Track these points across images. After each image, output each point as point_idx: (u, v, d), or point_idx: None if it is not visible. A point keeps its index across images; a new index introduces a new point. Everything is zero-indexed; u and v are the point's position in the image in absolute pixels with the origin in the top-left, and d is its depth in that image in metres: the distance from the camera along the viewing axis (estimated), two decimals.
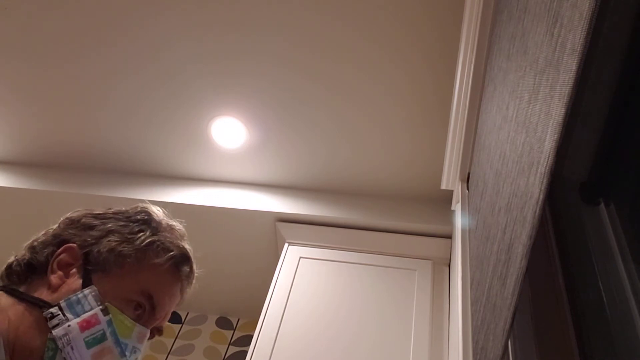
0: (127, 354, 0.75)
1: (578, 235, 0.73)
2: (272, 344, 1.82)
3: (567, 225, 0.77)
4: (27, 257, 0.78)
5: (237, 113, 2.14)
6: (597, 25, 0.58)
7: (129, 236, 0.81)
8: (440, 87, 1.93)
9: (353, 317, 1.89)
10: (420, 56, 1.89)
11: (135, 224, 0.83)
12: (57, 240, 0.79)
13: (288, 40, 1.92)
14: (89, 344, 0.72)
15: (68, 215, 0.83)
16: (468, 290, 1.38)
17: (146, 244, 0.81)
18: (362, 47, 1.90)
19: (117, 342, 0.74)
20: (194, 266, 0.88)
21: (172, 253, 0.83)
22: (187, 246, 0.87)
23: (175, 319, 2.68)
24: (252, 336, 1.90)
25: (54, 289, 0.75)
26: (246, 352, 1.92)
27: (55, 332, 0.70)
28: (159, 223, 0.85)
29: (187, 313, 2.70)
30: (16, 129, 2.35)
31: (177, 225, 0.88)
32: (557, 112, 0.61)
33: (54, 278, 0.76)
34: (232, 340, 2.60)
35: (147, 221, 0.84)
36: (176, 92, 2.12)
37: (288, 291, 1.97)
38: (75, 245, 0.78)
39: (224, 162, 2.30)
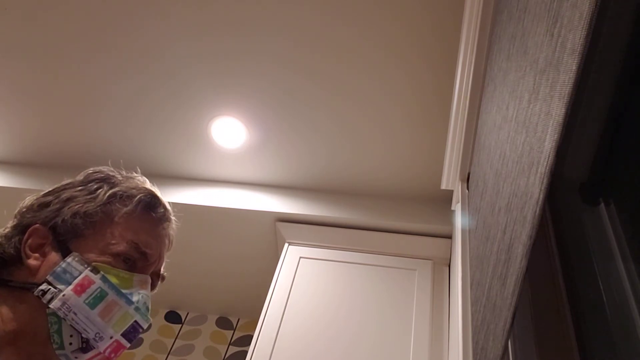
0: (135, 299, 0.74)
1: (578, 235, 0.73)
2: (272, 344, 1.82)
3: (567, 225, 0.77)
4: None
5: (237, 113, 2.14)
6: (597, 25, 0.58)
7: (89, 196, 0.79)
8: (440, 87, 1.93)
9: (353, 317, 1.89)
10: (420, 56, 1.89)
11: (91, 184, 0.82)
12: (19, 229, 0.78)
13: (288, 40, 1.92)
14: (92, 304, 0.71)
15: (20, 205, 0.82)
16: (468, 290, 1.38)
17: (108, 196, 0.80)
18: (362, 47, 1.90)
19: (120, 293, 0.73)
20: (167, 205, 0.86)
21: (138, 197, 0.81)
22: (152, 188, 0.85)
23: (176, 319, 2.68)
24: (252, 336, 1.90)
25: (34, 271, 0.73)
26: (246, 352, 1.92)
27: (52, 305, 0.70)
28: (115, 177, 0.84)
29: (187, 313, 2.70)
30: (16, 129, 2.35)
31: (135, 174, 0.87)
32: (557, 112, 0.61)
33: (31, 261, 0.74)
34: (232, 340, 2.60)
35: (102, 179, 0.83)
36: (176, 92, 2.12)
37: (288, 291, 1.97)
38: (38, 225, 0.77)
39: (224, 162, 2.30)
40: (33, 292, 0.71)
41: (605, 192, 0.69)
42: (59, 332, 0.69)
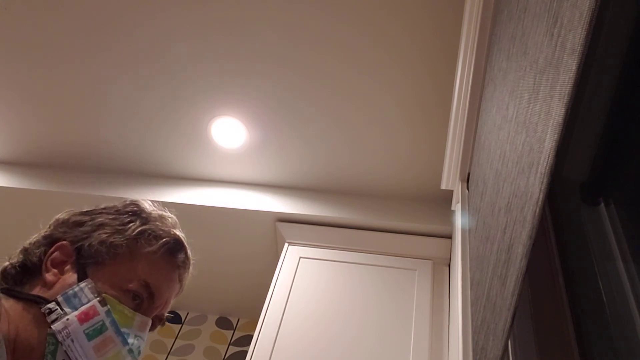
0: (130, 341, 0.75)
1: (578, 235, 0.73)
2: (272, 344, 1.82)
3: (567, 225, 0.77)
4: (20, 260, 0.79)
5: (237, 113, 2.14)
6: (597, 25, 0.58)
7: (120, 227, 0.81)
8: (440, 87, 1.93)
9: (353, 317, 1.89)
10: (420, 56, 1.89)
11: (125, 216, 0.83)
12: (48, 240, 0.80)
13: (288, 40, 1.92)
14: (90, 336, 0.72)
15: (57, 217, 0.84)
16: (468, 290, 1.38)
17: (137, 232, 0.81)
18: (362, 47, 1.90)
19: (118, 331, 0.74)
20: (189, 252, 0.88)
21: (164, 240, 0.83)
22: (179, 233, 0.87)
23: (175, 319, 2.68)
24: (252, 336, 1.90)
25: (49, 286, 0.75)
26: (246, 352, 1.92)
27: (54, 326, 0.71)
28: (149, 214, 0.85)
29: (187, 313, 2.70)
30: (16, 129, 2.35)
31: (167, 214, 0.88)
32: (557, 112, 0.61)
33: (48, 276, 0.76)
34: (232, 340, 2.60)
35: (136, 212, 0.84)
36: (176, 92, 2.12)
37: (288, 291, 1.97)
38: (66, 242, 0.79)
39: (224, 162, 2.30)
40: (40, 307, 0.72)
41: (605, 192, 0.69)
42: (54, 354, 0.70)
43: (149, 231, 0.82)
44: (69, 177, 2.37)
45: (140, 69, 2.08)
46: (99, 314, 0.73)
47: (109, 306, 0.74)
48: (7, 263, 0.80)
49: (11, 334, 0.69)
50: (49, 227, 0.82)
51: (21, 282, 0.77)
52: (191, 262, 0.88)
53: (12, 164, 2.43)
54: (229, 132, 2.20)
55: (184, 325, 2.66)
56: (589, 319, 0.65)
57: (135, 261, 0.80)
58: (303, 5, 1.83)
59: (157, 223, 0.85)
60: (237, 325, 2.66)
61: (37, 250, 0.79)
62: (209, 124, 2.19)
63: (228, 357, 2.54)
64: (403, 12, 1.81)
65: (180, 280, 0.86)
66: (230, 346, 2.58)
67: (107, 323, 0.74)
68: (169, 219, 0.88)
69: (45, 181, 2.34)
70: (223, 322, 2.67)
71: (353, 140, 2.14)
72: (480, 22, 1.50)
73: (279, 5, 1.85)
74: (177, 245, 0.85)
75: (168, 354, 2.55)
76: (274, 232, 2.25)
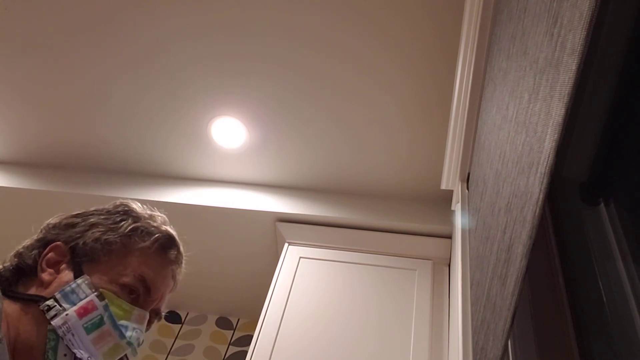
0: (128, 334, 0.77)
1: (578, 235, 0.73)
2: (272, 344, 1.82)
3: (567, 225, 0.77)
4: (15, 263, 0.80)
5: (237, 113, 2.14)
6: (597, 25, 0.58)
7: (112, 225, 0.83)
8: (440, 87, 1.93)
9: (353, 317, 1.89)
10: (420, 56, 1.89)
11: (116, 215, 0.85)
12: (42, 243, 0.81)
13: (288, 40, 1.92)
14: (88, 330, 0.73)
15: (48, 221, 0.85)
16: (468, 290, 1.38)
17: (130, 229, 0.83)
18: (362, 47, 1.90)
19: (116, 325, 0.75)
20: (181, 248, 0.90)
21: (156, 236, 0.85)
22: (171, 230, 0.89)
23: (175, 319, 2.68)
24: (252, 336, 1.90)
25: (46, 285, 0.76)
26: (246, 352, 1.92)
27: (54, 322, 0.72)
28: (139, 213, 0.88)
29: (187, 313, 2.70)
30: (16, 129, 2.35)
31: (157, 213, 0.91)
32: (557, 112, 0.61)
33: (44, 275, 0.77)
34: (232, 340, 2.60)
35: (127, 212, 0.87)
36: (176, 92, 2.12)
37: (288, 291, 1.97)
38: (60, 242, 0.80)
39: (224, 162, 2.30)
40: (39, 305, 0.73)
41: (605, 192, 0.69)
42: (55, 349, 0.71)
43: (142, 228, 0.84)
44: (69, 177, 2.37)
45: (140, 69, 2.08)
46: (97, 308, 0.75)
47: (106, 300, 0.76)
48: (0, 266, 0.80)
49: (11, 335, 0.69)
50: (41, 232, 0.84)
51: (16, 284, 0.78)
52: (184, 258, 0.90)
53: (12, 164, 2.43)
54: (229, 132, 2.20)
55: (184, 325, 2.66)
56: (589, 319, 0.65)
57: (130, 256, 0.81)
58: (303, 5, 1.83)
59: (148, 221, 0.87)
60: (237, 325, 2.66)
61: (31, 253, 0.80)
62: (209, 124, 2.19)
63: (228, 357, 2.54)
64: (403, 12, 1.81)
65: (174, 276, 0.88)
66: (230, 346, 2.58)
67: (105, 317, 0.75)
68: (159, 217, 0.90)
69: (45, 181, 2.34)
70: (223, 322, 2.67)
71: (353, 140, 2.14)
72: (480, 22, 1.50)
73: (279, 5, 1.85)
74: (169, 241, 0.87)
75: (168, 354, 2.55)
76: (274, 232, 2.25)
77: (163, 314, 0.87)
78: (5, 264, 0.80)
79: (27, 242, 0.83)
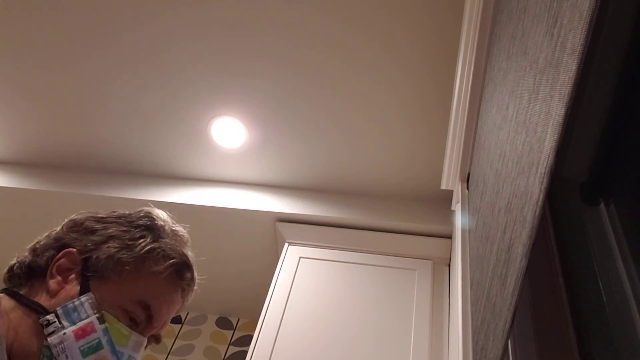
0: None
1: (578, 235, 0.73)
2: (272, 344, 1.82)
3: (567, 225, 0.77)
4: (28, 260, 0.79)
5: (237, 113, 2.14)
6: (597, 25, 0.58)
7: (129, 242, 0.80)
8: (440, 87, 1.93)
9: (353, 317, 1.89)
10: (420, 56, 1.89)
11: (137, 230, 0.82)
12: (58, 244, 0.80)
13: (288, 40, 1.92)
14: (85, 353, 0.71)
15: (72, 217, 0.83)
16: (468, 290, 1.38)
17: (146, 251, 0.80)
18: (362, 47, 1.90)
19: (114, 351, 0.74)
20: (195, 273, 0.88)
21: (172, 261, 0.82)
22: (189, 253, 0.87)
23: (175, 319, 2.68)
24: (252, 336, 1.90)
25: (52, 294, 0.75)
26: (246, 352, 1.92)
27: (50, 339, 0.70)
28: (162, 228, 0.85)
29: (187, 313, 2.70)
30: (16, 129, 2.35)
31: (180, 230, 0.88)
32: (557, 112, 0.61)
33: (52, 283, 0.76)
34: (232, 340, 2.60)
35: (149, 227, 0.84)
36: (176, 92, 2.12)
37: (288, 291, 1.97)
38: (74, 250, 0.78)
39: (224, 162, 2.30)
40: (40, 317, 0.72)
41: (605, 192, 0.69)
42: None
43: (159, 250, 0.82)
44: (69, 177, 2.37)
45: (140, 69, 2.08)
46: (95, 331, 0.73)
47: (107, 324, 0.74)
48: (14, 261, 0.79)
49: (9, 337, 0.69)
50: (62, 229, 0.82)
51: (27, 283, 0.77)
52: (195, 283, 0.89)
53: (12, 164, 2.43)
54: (229, 132, 2.20)
55: (184, 325, 2.66)
56: (589, 319, 0.65)
57: (140, 280, 0.79)
58: (303, 5, 1.83)
59: (168, 240, 0.84)
60: (237, 325, 2.66)
61: (46, 254, 0.78)
62: (209, 124, 2.19)
63: (228, 357, 2.54)
64: (403, 12, 1.81)
65: (183, 299, 0.87)
66: (230, 346, 2.58)
67: (104, 341, 0.73)
68: (181, 236, 0.87)
69: (45, 181, 2.34)
70: (223, 322, 2.67)
71: (353, 140, 2.14)
72: (480, 22, 1.50)
73: (279, 5, 1.85)
74: (184, 267, 0.84)
75: (168, 354, 2.55)
76: (274, 232, 2.25)
77: (160, 337, 0.85)
78: (20, 259, 0.79)
79: (44, 238, 0.81)
